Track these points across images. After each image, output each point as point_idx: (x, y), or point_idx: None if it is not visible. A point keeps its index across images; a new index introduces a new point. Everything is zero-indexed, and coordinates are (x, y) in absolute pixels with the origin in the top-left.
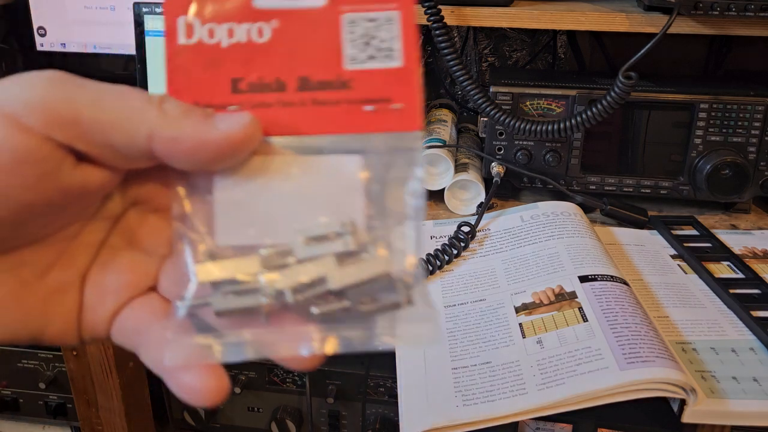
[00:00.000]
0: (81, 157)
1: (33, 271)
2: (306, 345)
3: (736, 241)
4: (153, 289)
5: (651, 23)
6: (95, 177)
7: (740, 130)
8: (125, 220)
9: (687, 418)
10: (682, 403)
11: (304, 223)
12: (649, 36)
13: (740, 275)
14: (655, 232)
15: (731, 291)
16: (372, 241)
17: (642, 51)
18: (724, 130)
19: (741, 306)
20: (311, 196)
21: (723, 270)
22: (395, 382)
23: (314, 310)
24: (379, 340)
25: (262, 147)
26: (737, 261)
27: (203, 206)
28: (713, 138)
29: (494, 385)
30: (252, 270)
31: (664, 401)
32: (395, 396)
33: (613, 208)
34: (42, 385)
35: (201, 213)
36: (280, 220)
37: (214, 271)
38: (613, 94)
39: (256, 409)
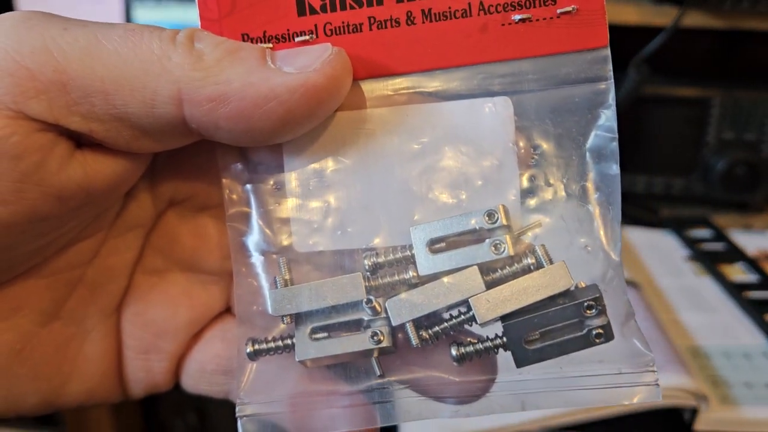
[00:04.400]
0: (80, 142)
1: (34, 316)
2: (448, 406)
3: (749, 241)
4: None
5: (661, 14)
6: (104, 170)
7: (754, 127)
8: (163, 227)
9: (699, 426)
10: (694, 411)
11: (426, 214)
12: (660, 29)
13: (754, 279)
14: (666, 232)
15: (745, 295)
16: (537, 240)
17: (653, 41)
18: (737, 127)
19: (755, 310)
20: (434, 169)
21: (736, 272)
22: None
23: (454, 352)
24: (564, 398)
25: (352, 96)
26: (751, 263)
27: (271, 197)
28: (726, 135)
29: None
30: (351, 293)
31: (674, 411)
32: None
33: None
34: None
35: (268, 208)
36: (387, 212)
37: (295, 297)
38: (623, 89)
39: None
